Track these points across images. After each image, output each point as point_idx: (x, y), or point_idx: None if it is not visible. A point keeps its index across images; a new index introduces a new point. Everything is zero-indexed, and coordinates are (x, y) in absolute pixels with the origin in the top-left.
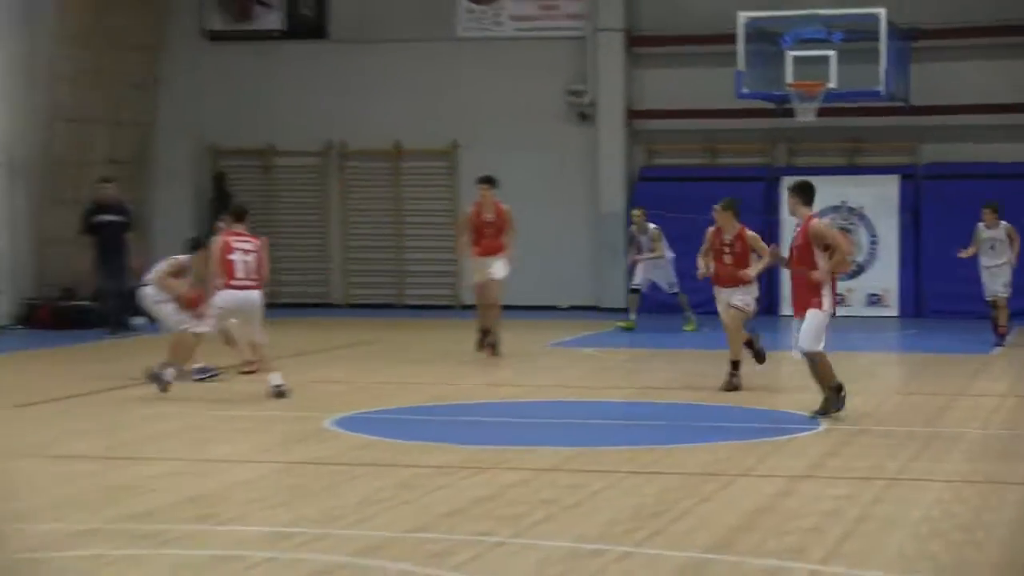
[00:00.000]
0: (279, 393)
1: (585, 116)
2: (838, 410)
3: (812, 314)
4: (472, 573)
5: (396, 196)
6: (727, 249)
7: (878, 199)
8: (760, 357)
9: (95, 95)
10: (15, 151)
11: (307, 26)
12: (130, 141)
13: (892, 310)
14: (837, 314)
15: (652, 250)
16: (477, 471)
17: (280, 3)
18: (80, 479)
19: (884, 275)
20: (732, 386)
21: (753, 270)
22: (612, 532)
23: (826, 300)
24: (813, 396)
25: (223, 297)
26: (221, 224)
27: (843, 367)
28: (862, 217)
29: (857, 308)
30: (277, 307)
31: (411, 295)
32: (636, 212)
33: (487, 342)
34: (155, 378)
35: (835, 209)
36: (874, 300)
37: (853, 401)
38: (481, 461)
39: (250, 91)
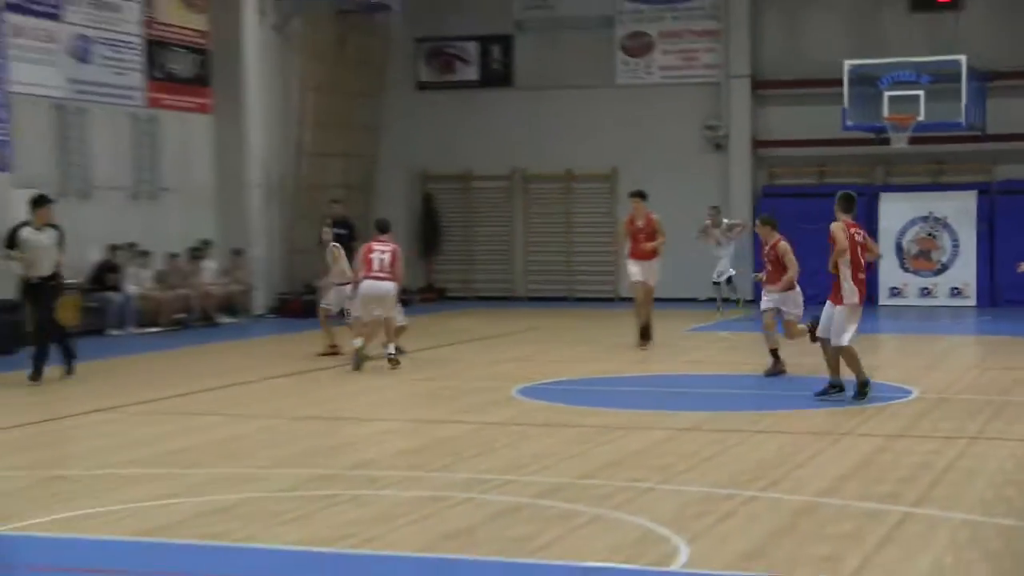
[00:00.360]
0: (393, 359)
1: (719, 146)
2: (863, 395)
3: (837, 310)
4: (628, 512)
5: (567, 211)
6: (766, 259)
7: (959, 211)
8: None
9: (332, 134)
10: (271, 177)
11: (497, 77)
12: (358, 170)
13: (971, 300)
14: (863, 304)
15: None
16: (632, 430)
17: (475, 59)
18: (316, 437)
19: (964, 272)
20: (776, 371)
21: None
22: (740, 480)
23: (846, 296)
24: (900, 371)
25: (362, 286)
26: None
27: (930, 348)
28: (946, 225)
29: (941, 299)
30: (471, 300)
31: (578, 289)
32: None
33: (644, 338)
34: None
35: (923, 219)
36: (956, 292)
37: (937, 375)
38: (635, 423)
39: (452, 128)
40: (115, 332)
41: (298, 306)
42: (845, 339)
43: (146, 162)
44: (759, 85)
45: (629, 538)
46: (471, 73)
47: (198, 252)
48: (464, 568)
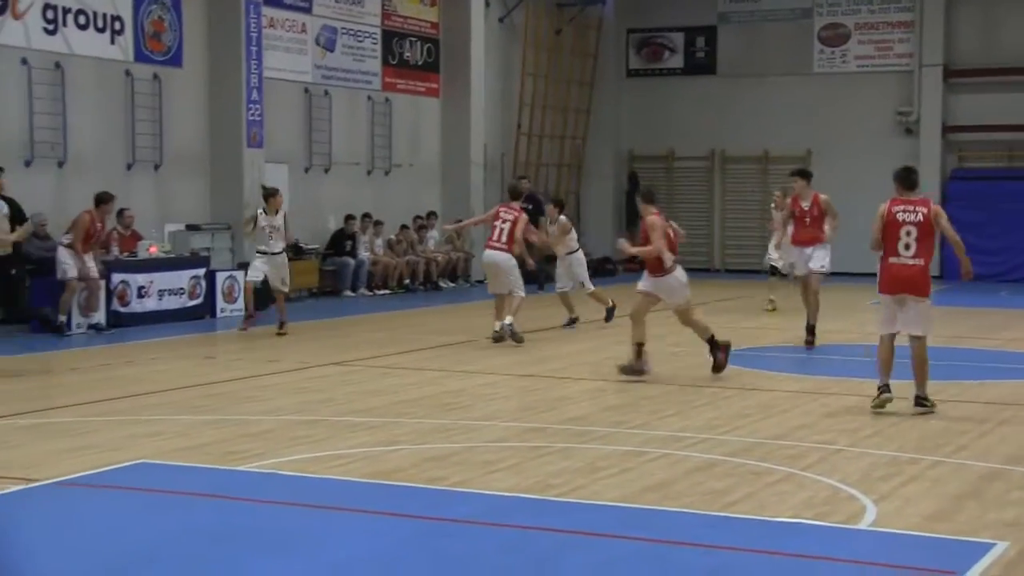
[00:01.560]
0: (513, 335)
1: (910, 131)
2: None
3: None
4: (818, 472)
5: (763, 190)
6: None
7: None
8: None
9: (547, 116)
10: (491, 156)
11: (701, 65)
12: (570, 150)
13: None
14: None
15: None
16: (821, 395)
17: (681, 48)
18: (530, 393)
19: None
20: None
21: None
22: (925, 445)
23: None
24: None
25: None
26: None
27: None
28: None
29: None
30: None
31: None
32: (778, 194)
33: (808, 340)
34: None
35: None
36: None
37: None
38: (824, 388)
39: (657, 113)
40: (349, 294)
41: None
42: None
43: (381, 140)
44: (951, 74)
45: (819, 496)
46: (677, 61)
47: (424, 223)
48: (662, 518)
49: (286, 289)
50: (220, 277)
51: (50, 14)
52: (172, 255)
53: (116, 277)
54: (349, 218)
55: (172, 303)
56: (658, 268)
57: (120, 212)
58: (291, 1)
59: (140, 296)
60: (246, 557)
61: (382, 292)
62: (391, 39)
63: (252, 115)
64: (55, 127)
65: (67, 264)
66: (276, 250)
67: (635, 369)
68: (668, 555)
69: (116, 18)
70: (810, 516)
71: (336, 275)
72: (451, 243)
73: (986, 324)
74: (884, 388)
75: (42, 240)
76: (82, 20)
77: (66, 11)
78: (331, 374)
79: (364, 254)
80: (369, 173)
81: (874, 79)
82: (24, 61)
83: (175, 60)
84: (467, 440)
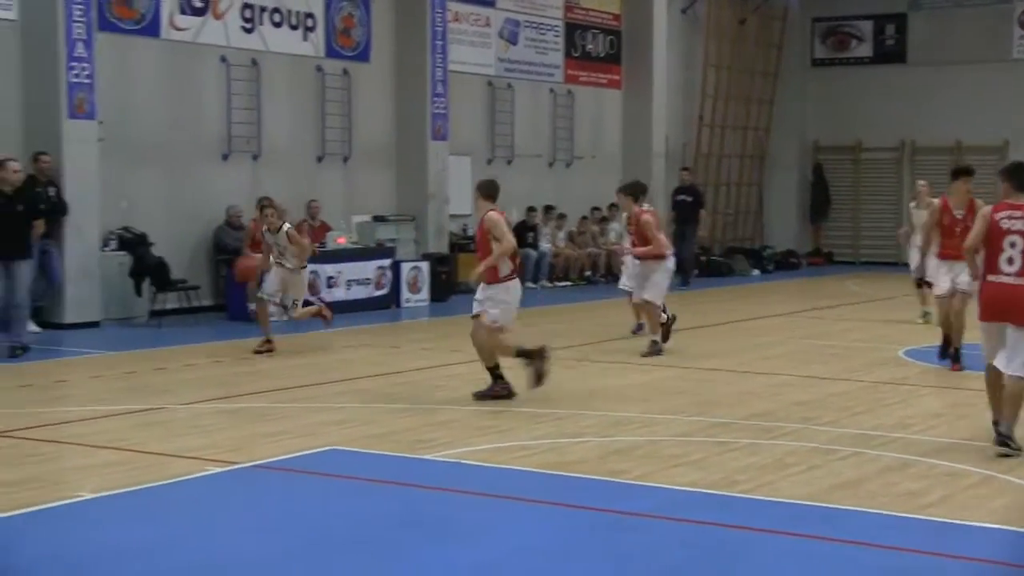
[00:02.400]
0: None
1: None
2: None
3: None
4: (1019, 476)
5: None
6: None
7: None
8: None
9: (730, 107)
10: (672, 147)
11: (890, 53)
12: (753, 141)
13: None
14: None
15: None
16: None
17: (870, 36)
18: (717, 386)
19: None
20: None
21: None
22: None
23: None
24: None
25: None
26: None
27: None
28: None
29: None
30: (857, 264)
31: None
32: (923, 184)
33: (949, 353)
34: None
35: None
36: None
37: None
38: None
39: (843, 102)
40: (531, 285)
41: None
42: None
43: (563, 133)
44: None
45: (1019, 501)
46: (865, 50)
47: (605, 215)
48: (853, 519)
49: (293, 314)
50: (405, 267)
51: (247, 13)
52: (359, 246)
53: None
54: (531, 210)
55: (359, 293)
56: (492, 277)
57: (308, 204)
58: None
59: (329, 286)
60: (430, 545)
61: (563, 284)
62: (573, 31)
63: (437, 108)
64: (251, 122)
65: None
66: (290, 265)
67: (495, 393)
68: (858, 556)
69: (309, 15)
70: (1009, 522)
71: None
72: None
73: None
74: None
75: (236, 230)
76: (277, 18)
77: (262, 10)
78: (514, 365)
79: (546, 246)
80: (551, 165)
81: None
82: (223, 59)
83: (363, 55)
84: (651, 434)
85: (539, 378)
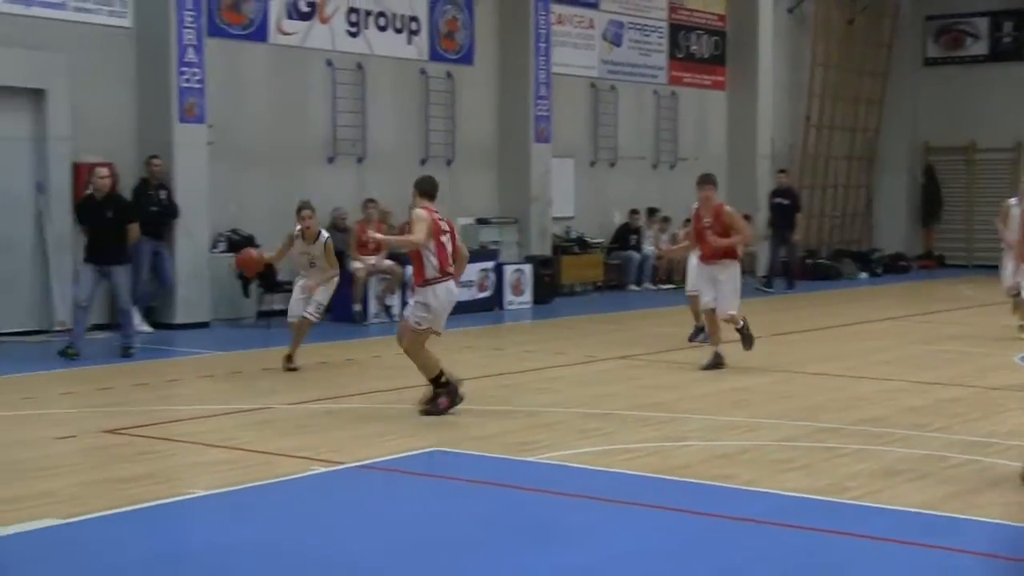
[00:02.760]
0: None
1: None
2: None
3: None
4: None
5: None
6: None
7: None
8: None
9: (838, 108)
10: (778, 148)
11: (1008, 51)
12: (861, 142)
13: None
14: None
15: None
16: None
17: (986, 35)
18: (824, 392)
19: None
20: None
21: None
22: None
23: None
24: None
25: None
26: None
27: None
28: None
29: None
30: (969, 267)
31: None
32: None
33: None
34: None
35: None
36: None
37: None
38: None
39: (956, 102)
40: (634, 287)
41: (800, 269)
42: None
43: (666, 134)
44: None
45: None
46: (980, 48)
47: None
48: (966, 528)
49: (314, 319)
50: (508, 270)
51: (353, 17)
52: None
53: (410, 269)
54: (634, 212)
55: (463, 295)
56: (419, 279)
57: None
58: None
59: None
60: (534, 547)
61: (666, 286)
62: (678, 33)
63: (540, 110)
64: (356, 125)
65: (353, 261)
66: (314, 281)
67: (436, 408)
68: (970, 567)
69: (413, 19)
70: None
71: (621, 269)
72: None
73: None
74: None
75: (341, 232)
76: (382, 22)
77: (368, 14)
78: (617, 368)
79: (649, 248)
80: (654, 167)
81: None
82: (329, 63)
83: (467, 58)
84: (756, 438)
85: (434, 412)
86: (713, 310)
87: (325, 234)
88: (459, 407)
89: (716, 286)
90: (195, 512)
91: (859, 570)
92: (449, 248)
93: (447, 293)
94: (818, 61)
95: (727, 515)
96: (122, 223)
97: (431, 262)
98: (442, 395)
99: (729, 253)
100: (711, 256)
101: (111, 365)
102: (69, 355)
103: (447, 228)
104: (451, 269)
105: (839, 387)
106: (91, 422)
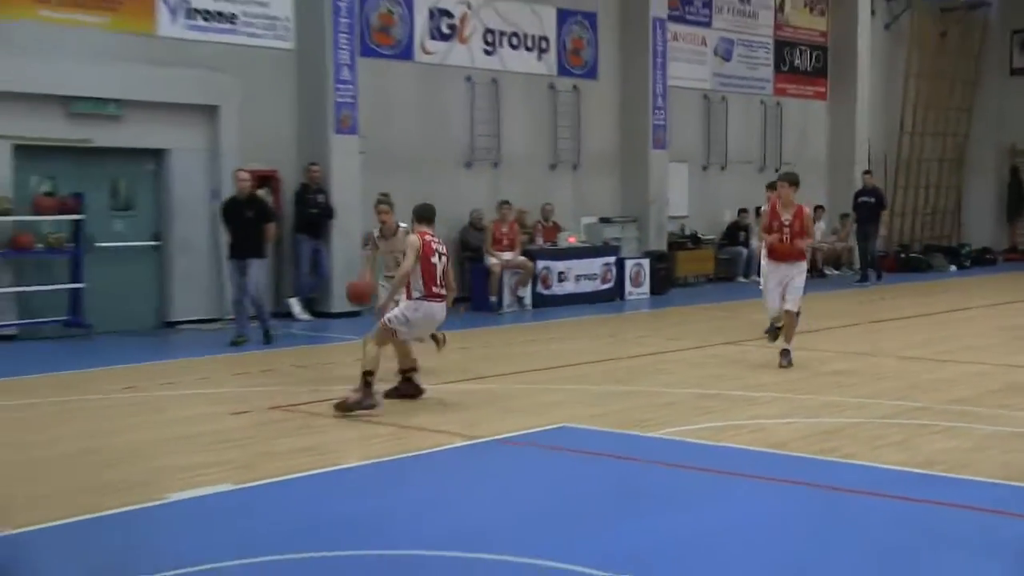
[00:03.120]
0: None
1: None
2: None
3: None
4: None
5: None
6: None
7: None
8: None
9: (930, 115)
10: (874, 154)
11: None
12: (952, 147)
13: None
14: None
15: None
16: None
17: None
18: (917, 374)
19: None
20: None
21: None
22: None
23: None
24: None
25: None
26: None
27: None
28: None
29: None
30: None
31: None
32: None
33: None
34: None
35: None
36: None
37: None
38: None
39: None
40: (742, 280)
41: (892, 263)
42: None
43: (772, 141)
44: None
45: None
46: None
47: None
48: None
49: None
50: (628, 264)
51: (489, 38)
52: (587, 244)
53: (540, 263)
54: (742, 211)
55: (587, 287)
56: (408, 294)
57: (542, 207)
58: (693, 17)
59: (560, 280)
60: (653, 514)
61: None
62: (783, 48)
63: (657, 120)
64: (491, 134)
65: (488, 256)
66: (384, 281)
67: (364, 403)
68: None
69: (543, 38)
70: None
71: (730, 263)
72: (836, 234)
73: None
74: None
75: (478, 231)
76: (514, 41)
77: (502, 34)
78: (727, 353)
79: (756, 243)
80: (760, 170)
81: None
82: (468, 79)
83: (591, 73)
84: (854, 416)
85: (348, 408)
86: (789, 312)
87: (403, 225)
88: (362, 412)
89: (788, 284)
90: (348, 481)
91: (949, 537)
92: (440, 268)
93: (428, 314)
94: (912, 72)
95: (828, 485)
96: (260, 222)
97: (416, 283)
98: (361, 391)
99: (803, 253)
100: (787, 256)
101: (274, 350)
102: (238, 343)
103: (442, 251)
104: (439, 291)
105: (931, 370)
106: (260, 400)
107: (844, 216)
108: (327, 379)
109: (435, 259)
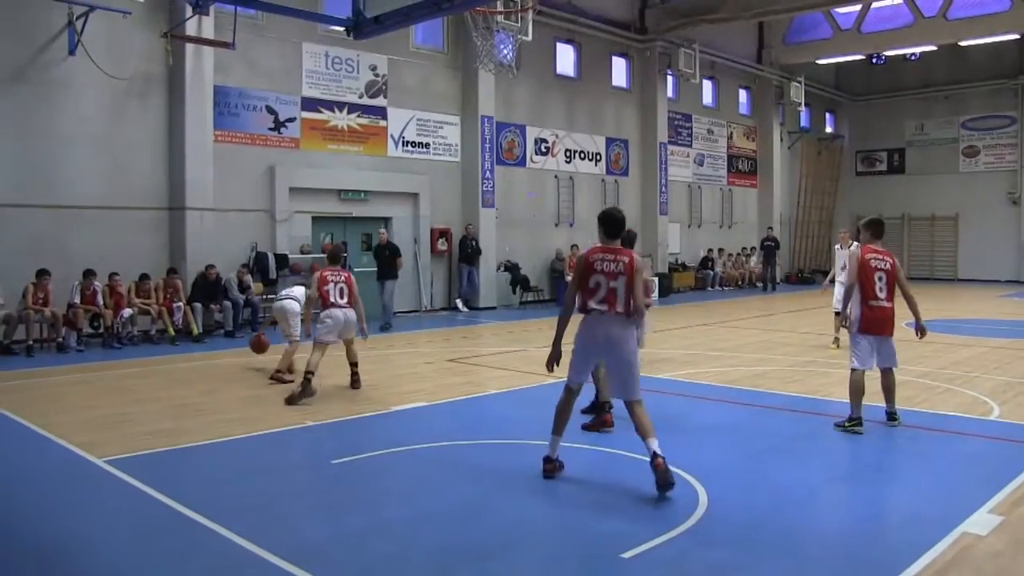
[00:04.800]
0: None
1: (1015, 202)
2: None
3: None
4: (966, 388)
5: None
6: None
7: None
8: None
9: (812, 197)
10: (784, 216)
11: (897, 168)
12: (824, 214)
13: None
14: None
15: None
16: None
17: (886, 160)
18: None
19: None
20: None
21: None
22: None
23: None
24: None
25: None
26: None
27: None
28: None
29: None
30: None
31: None
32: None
33: None
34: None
35: None
36: None
37: None
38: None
39: (873, 194)
40: (710, 289)
41: (794, 278)
42: (854, 363)
43: (727, 210)
44: None
45: (966, 401)
46: (883, 167)
47: (749, 253)
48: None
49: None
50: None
51: (567, 155)
52: None
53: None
54: (710, 250)
55: None
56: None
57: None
58: (683, 141)
59: None
60: (656, 421)
61: (728, 287)
62: (732, 159)
63: (662, 199)
64: (569, 207)
65: (567, 275)
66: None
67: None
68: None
69: (597, 154)
70: (963, 412)
71: (703, 279)
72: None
73: None
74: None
75: (560, 261)
76: (581, 155)
77: (575, 152)
78: (707, 328)
79: (718, 269)
80: (720, 227)
81: (994, 175)
82: (555, 176)
83: (625, 172)
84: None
85: (292, 400)
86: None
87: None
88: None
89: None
90: (490, 401)
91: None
92: (334, 293)
93: (333, 316)
94: (803, 173)
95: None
96: (394, 257)
97: (317, 303)
98: (302, 387)
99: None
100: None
101: (449, 328)
102: (385, 328)
103: (339, 281)
104: (338, 302)
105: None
106: (440, 355)
107: (755, 249)
108: (478, 344)
109: (327, 287)
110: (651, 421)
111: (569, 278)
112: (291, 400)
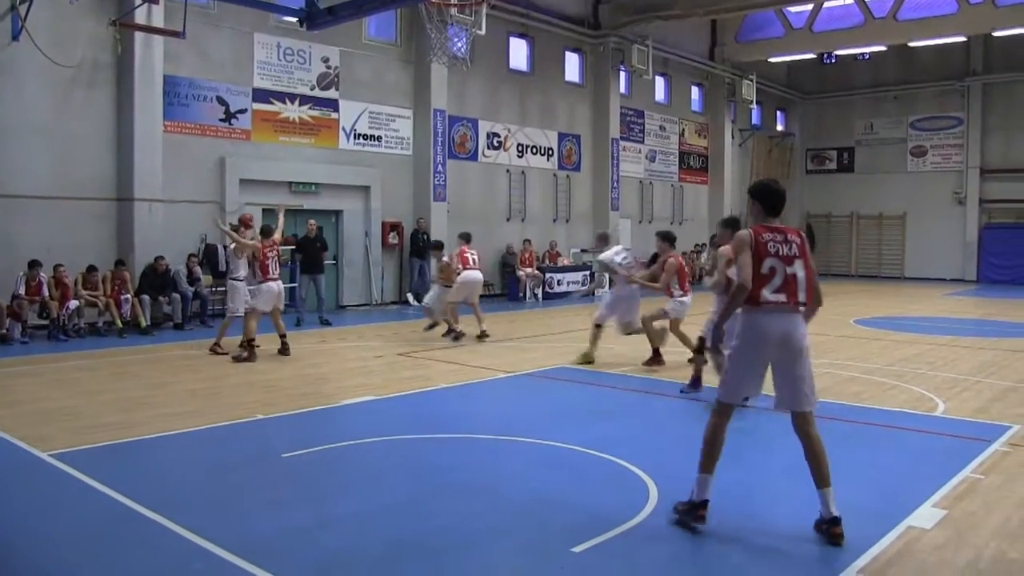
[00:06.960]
0: None
1: (960, 202)
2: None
3: None
4: (914, 385)
5: None
6: None
7: None
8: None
9: None
10: (734, 212)
11: (847, 167)
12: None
13: None
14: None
15: None
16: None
17: (835, 158)
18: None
19: None
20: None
21: None
22: (981, 371)
23: None
24: None
25: None
26: None
27: None
28: None
29: None
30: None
31: None
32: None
33: None
34: None
35: None
36: None
37: None
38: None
39: (823, 191)
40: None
41: None
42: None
43: (677, 207)
44: (984, 171)
45: (912, 397)
46: (832, 166)
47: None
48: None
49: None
50: (597, 275)
51: (519, 149)
52: (573, 264)
53: (547, 275)
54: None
55: (573, 288)
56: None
57: (549, 242)
58: (635, 137)
59: (558, 284)
60: (615, 416)
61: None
62: (684, 155)
63: (613, 195)
64: (520, 201)
65: (518, 269)
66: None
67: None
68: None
69: (549, 148)
70: (909, 408)
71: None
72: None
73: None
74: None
75: (512, 255)
76: (534, 150)
77: (527, 146)
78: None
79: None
80: (671, 223)
81: (941, 175)
82: (507, 171)
83: (577, 168)
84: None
85: (238, 359)
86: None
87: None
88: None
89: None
90: (440, 396)
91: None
92: (273, 267)
93: (267, 289)
94: (753, 170)
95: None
96: (322, 251)
97: (257, 274)
98: (247, 350)
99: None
100: None
101: (400, 322)
102: (323, 322)
103: (273, 254)
104: (272, 275)
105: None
106: (390, 349)
107: (705, 246)
108: (427, 339)
109: (268, 261)
110: (825, 449)
111: (520, 272)
112: (237, 359)
